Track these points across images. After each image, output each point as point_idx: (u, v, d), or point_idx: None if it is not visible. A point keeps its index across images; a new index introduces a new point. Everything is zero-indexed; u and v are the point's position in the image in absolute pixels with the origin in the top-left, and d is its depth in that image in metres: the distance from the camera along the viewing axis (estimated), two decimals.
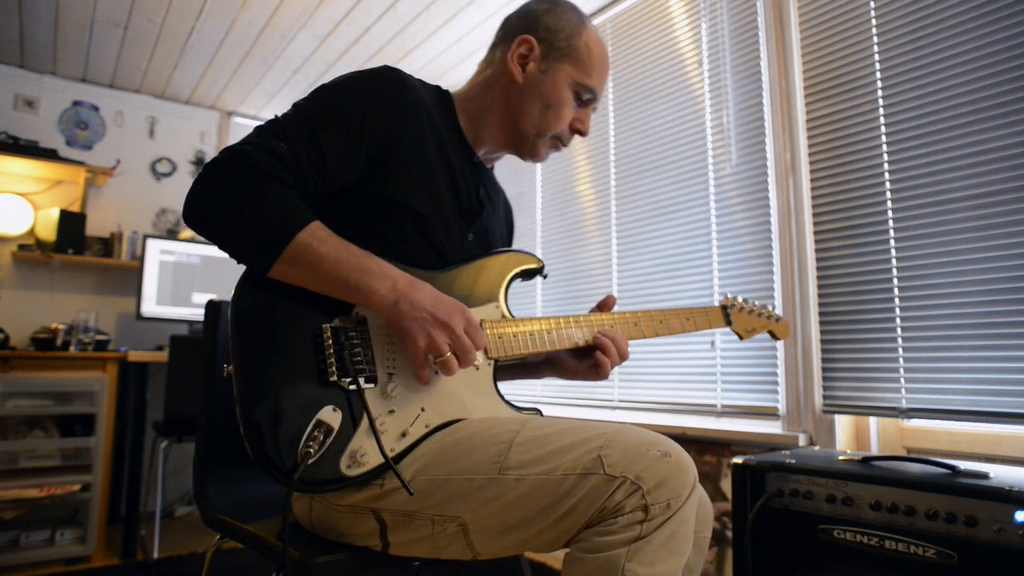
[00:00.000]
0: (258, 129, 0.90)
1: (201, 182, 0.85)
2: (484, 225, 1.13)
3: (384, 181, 0.96)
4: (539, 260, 1.11)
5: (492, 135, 1.11)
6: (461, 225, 1.07)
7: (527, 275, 1.10)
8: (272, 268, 0.85)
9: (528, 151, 1.12)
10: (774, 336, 1.38)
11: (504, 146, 1.13)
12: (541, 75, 1.06)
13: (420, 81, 1.07)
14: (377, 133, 0.95)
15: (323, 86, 0.96)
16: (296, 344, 0.86)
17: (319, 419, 0.82)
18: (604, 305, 1.17)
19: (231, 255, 0.87)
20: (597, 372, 1.08)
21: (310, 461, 0.80)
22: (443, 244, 1.02)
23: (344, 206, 0.97)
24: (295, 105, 0.94)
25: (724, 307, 1.28)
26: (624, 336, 1.11)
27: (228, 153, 0.86)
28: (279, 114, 0.93)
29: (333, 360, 0.85)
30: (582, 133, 1.12)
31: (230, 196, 0.84)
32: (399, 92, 0.98)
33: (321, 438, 0.81)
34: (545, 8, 1.09)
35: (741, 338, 1.32)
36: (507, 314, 1.04)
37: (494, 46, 1.13)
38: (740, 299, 1.31)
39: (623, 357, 1.09)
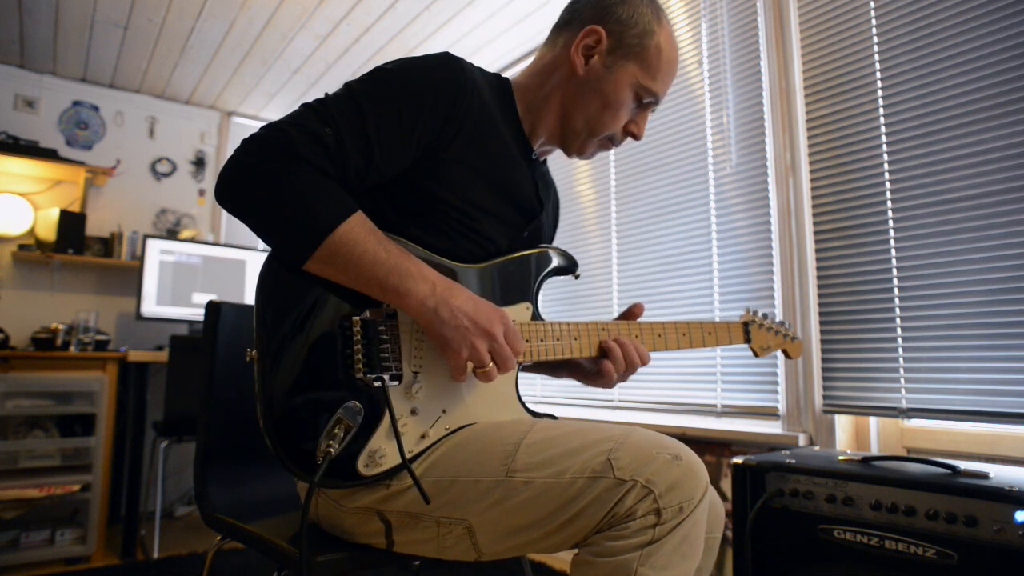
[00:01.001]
0: (304, 107, 0.84)
1: (238, 161, 0.80)
2: (539, 223, 1.09)
3: (437, 178, 0.91)
4: (572, 259, 1.08)
5: (547, 126, 1.05)
6: (517, 225, 1.02)
7: (559, 272, 1.06)
8: (305, 265, 0.81)
9: (577, 148, 1.06)
10: (787, 355, 1.35)
11: (555, 139, 1.07)
12: (605, 71, 0.99)
13: (480, 69, 1.00)
14: (432, 125, 0.89)
15: (380, 68, 0.89)
16: (323, 334, 0.82)
17: (340, 415, 0.80)
18: (630, 314, 1.12)
19: (265, 243, 0.83)
20: (603, 379, 1.03)
21: (331, 459, 0.78)
22: (496, 245, 0.99)
23: (391, 197, 0.92)
24: (347, 85, 0.87)
25: (746, 323, 1.25)
26: (648, 347, 1.06)
27: (269, 132, 0.80)
28: (329, 93, 0.87)
29: (361, 355, 0.82)
30: (636, 137, 1.06)
31: (266, 184, 0.79)
32: (460, 82, 0.91)
33: (341, 435, 0.79)
34: None
35: (756, 355, 1.28)
36: (537, 315, 1.01)
37: (557, 29, 1.05)
38: (760, 315, 1.29)
39: (631, 365, 1.02)
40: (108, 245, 3.23)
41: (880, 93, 1.65)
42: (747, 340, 1.25)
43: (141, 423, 2.72)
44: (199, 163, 3.65)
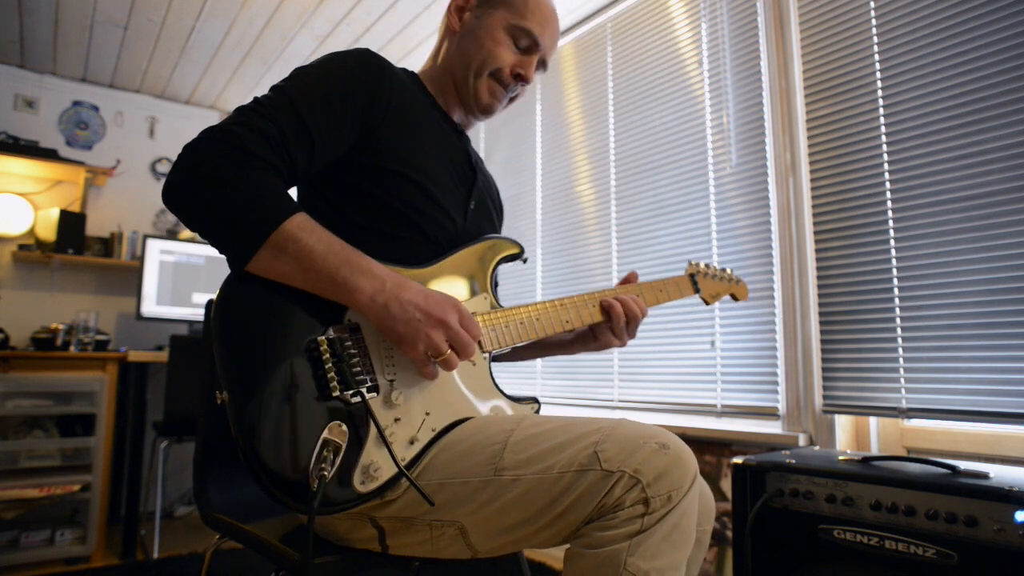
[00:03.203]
0: (239, 110, 0.86)
1: (185, 161, 0.80)
2: (481, 192, 1.15)
3: (378, 153, 0.97)
4: (518, 245, 1.13)
5: (449, 93, 1.13)
6: (461, 192, 1.09)
7: (508, 260, 1.11)
8: (255, 257, 0.80)
9: (473, 98, 1.12)
10: (734, 298, 1.44)
11: (458, 102, 1.14)
12: (476, 21, 1.10)
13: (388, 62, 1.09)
14: (361, 104, 0.95)
15: (301, 67, 0.96)
16: (290, 361, 0.80)
17: (326, 437, 0.78)
18: (626, 280, 1.22)
19: (211, 242, 0.82)
20: (613, 337, 1.13)
21: (326, 483, 0.76)
22: (448, 211, 1.03)
23: (342, 182, 0.97)
24: (274, 87, 0.92)
25: (691, 275, 1.33)
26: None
27: (214, 132, 0.82)
28: (259, 96, 0.90)
29: (333, 374, 0.81)
30: (524, 80, 1.12)
31: (216, 178, 0.79)
32: (378, 66, 0.99)
33: (332, 457, 0.77)
34: None
35: (707, 303, 1.36)
36: (495, 304, 1.04)
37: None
38: (703, 264, 1.36)
39: (633, 316, 1.12)
40: (108, 245, 3.24)
41: (880, 93, 1.65)
42: (696, 291, 1.33)
43: (141, 423, 2.72)
44: None
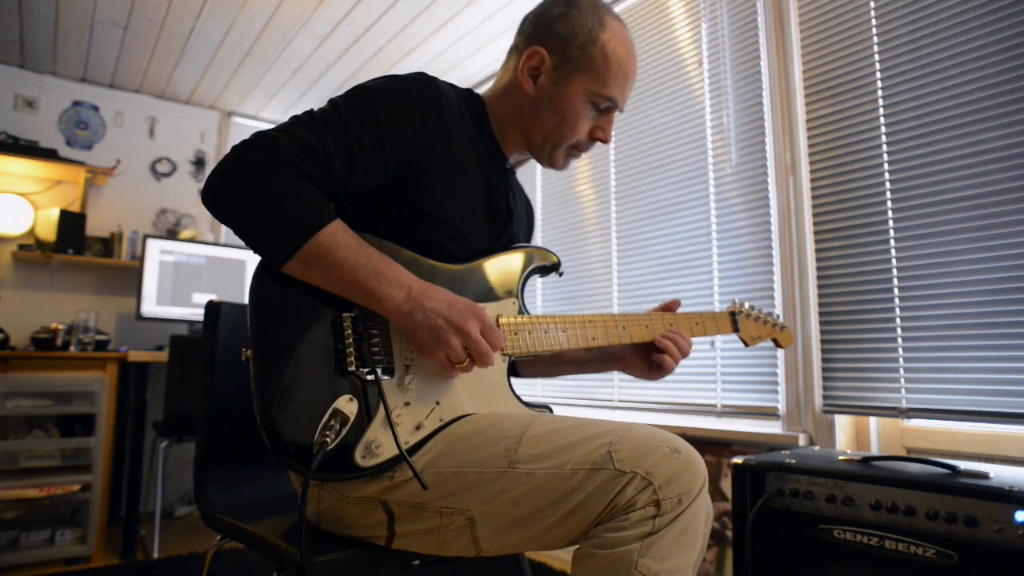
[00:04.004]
0: (293, 119, 0.89)
1: (227, 164, 0.83)
2: (512, 232, 1.13)
3: (415, 191, 0.96)
4: (555, 257, 1.12)
5: (514, 142, 1.10)
6: (492, 235, 1.07)
7: (543, 271, 1.10)
8: (287, 265, 0.84)
9: (546, 160, 1.10)
10: (777, 344, 1.39)
11: (523, 152, 1.12)
12: (554, 87, 1.03)
13: (451, 86, 1.05)
14: (407, 141, 0.94)
15: (360, 86, 0.95)
16: (315, 331, 0.85)
17: (336, 408, 0.82)
18: (668, 307, 1.19)
19: (247, 244, 0.85)
20: (658, 372, 1.13)
21: (327, 450, 0.80)
22: (471, 253, 1.02)
23: (374, 208, 0.97)
24: (331, 101, 0.92)
25: (732, 313, 1.29)
26: (638, 337, 1.12)
27: (258, 138, 0.84)
28: (315, 108, 0.91)
29: (352, 349, 0.85)
30: (604, 141, 1.08)
31: (253, 185, 0.82)
32: (433, 101, 0.97)
33: (337, 427, 0.81)
34: (560, 12, 1.03)
35: (746, 345, 1.32)
36: (523, 310, 1.04)
37: (510, 52, 1.10)
38: (747, 306, 1.32)
39: (684, 354, 1.12)
40: (108, 245, 3.23)
41: (880, 93, 1.65)
42: (735, 330, 1.29)
43: (141, 423, 2.72)
44: (199, 163, 3.65)
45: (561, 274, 1.14)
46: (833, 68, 1.76)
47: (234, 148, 0.84)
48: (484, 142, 1.06)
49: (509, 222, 1.10)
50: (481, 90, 1.13)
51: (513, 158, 1.13)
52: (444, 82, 1.02)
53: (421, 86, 0.96)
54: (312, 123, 0.88)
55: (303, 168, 0.84)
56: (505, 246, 1.09)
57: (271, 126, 0.90)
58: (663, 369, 1.12)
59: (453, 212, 0.98)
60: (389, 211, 0.96)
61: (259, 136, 0.84)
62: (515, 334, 0.99)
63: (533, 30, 1.05)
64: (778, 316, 1.38)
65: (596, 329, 1.08)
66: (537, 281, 2.77)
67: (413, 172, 0.95)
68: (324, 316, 0.87)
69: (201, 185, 3.63)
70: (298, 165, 0.84)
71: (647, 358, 1.15)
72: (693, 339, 1.18)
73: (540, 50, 1.03)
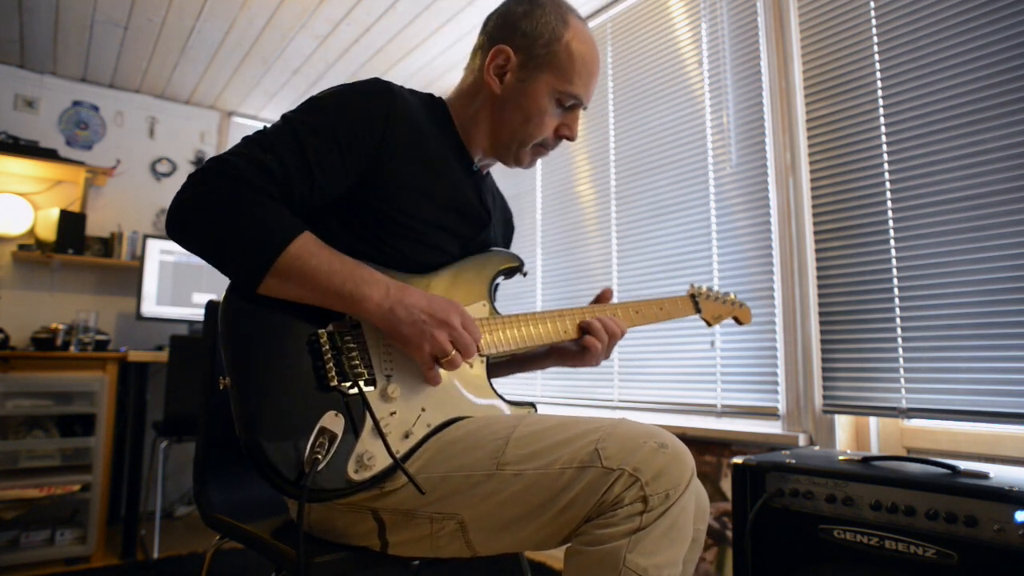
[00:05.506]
0: (246, 140, 0.88)
1: (186, 193, 0.82)
2: (489, 234, 1.13)
3: (380, 194, 0.95)
4: (518, 259, 1.14)
5: (480, 143, 1.09)
6: (467, 236, 1.06)
7: (508, 273, 1.12)
8: (263, 284, 0.82)
9: (512, 160, 1.09)
10: (738, 321, 1.46)
11: (490, 153, 1.11)
12: (519, 85, 1.02)
13: (410, 91, 1.04)
14: (365, 147, 0.92)
15: (312, 99, 0.94)
16: (292, 352, 0.84)
17: (322, 426, 0.81)
18: (601, 298, 1.21)
19: (221, 269, 0.83)
20: (588, 355, 1.11)
21: (319, 468, 0.79)
22: (449, 255, 1.03)
23: (340, 218, 0.96)
24: (283, 117, 0.91)
25: (692, 296, 1.35)
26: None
27: (215, 163, 0.83)
28: (267, 125, 0.90)
29: (332, 364, 0.84)
30: (569, 138, 1.08)
31: (216, 210, 0.80)
32: (388, 105, 0.95)
33: (327, 445, 0.80)
34: (523, 11, 1.03)
35: (709, 324, 1.39)
36: (494, 312, 1.05)
37: (475, 51, 1.09)
38: (705, 288, 1.38)
39: (612, 336, 1.11)
40: (108, 245, 3.23)
41: (880, 93, 1.65)
42: (697, 311, 1.34)
43: (141, 423, 2.72)
44: (199, 163, 3.65)
45: (524, 274, 1.15)
46: (833, 68, 1.76)
47: (190, 177, 0.83)
48: (449, 144, 1.05)
49: (487, 222, 1.10)
50: None
51: (479, 159, 1.11)
52: (401, 87, 1.01)
53: (375, 92, 0.95)
54: (266, 141, 0.86)
55: (264, 187, 0.83)
56: (479, 249, 1.10)
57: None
58: (590, 351, 1.10)
59: (418, 216, 0.97)
60: (353, 224, 0.95)
61: (215, 161, 0.83)
62: (490, 334, 1.00)
63: (497, 29, 1.05)
64: (736, 295, 1.46)
65: (567, 323, 1.09)
66: (537, 282, 2.77)
67: (376, 176, 0.94)
68: (299, 335, 0.85)
69: None
70: (258, 185, 0.82)
71: (578, 344, 1.13)
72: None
73: (506, 48, 1.02)
